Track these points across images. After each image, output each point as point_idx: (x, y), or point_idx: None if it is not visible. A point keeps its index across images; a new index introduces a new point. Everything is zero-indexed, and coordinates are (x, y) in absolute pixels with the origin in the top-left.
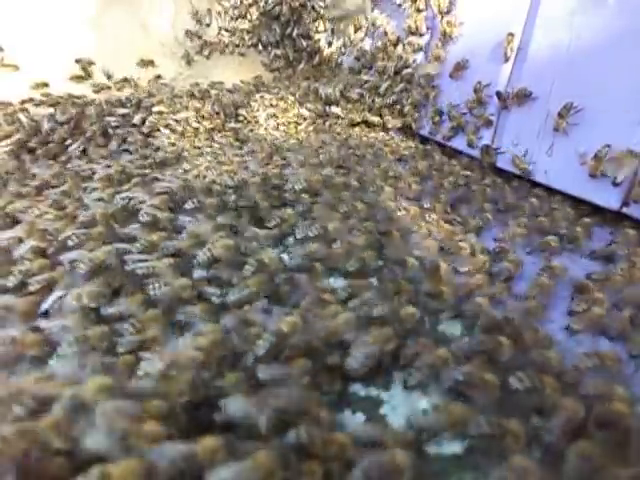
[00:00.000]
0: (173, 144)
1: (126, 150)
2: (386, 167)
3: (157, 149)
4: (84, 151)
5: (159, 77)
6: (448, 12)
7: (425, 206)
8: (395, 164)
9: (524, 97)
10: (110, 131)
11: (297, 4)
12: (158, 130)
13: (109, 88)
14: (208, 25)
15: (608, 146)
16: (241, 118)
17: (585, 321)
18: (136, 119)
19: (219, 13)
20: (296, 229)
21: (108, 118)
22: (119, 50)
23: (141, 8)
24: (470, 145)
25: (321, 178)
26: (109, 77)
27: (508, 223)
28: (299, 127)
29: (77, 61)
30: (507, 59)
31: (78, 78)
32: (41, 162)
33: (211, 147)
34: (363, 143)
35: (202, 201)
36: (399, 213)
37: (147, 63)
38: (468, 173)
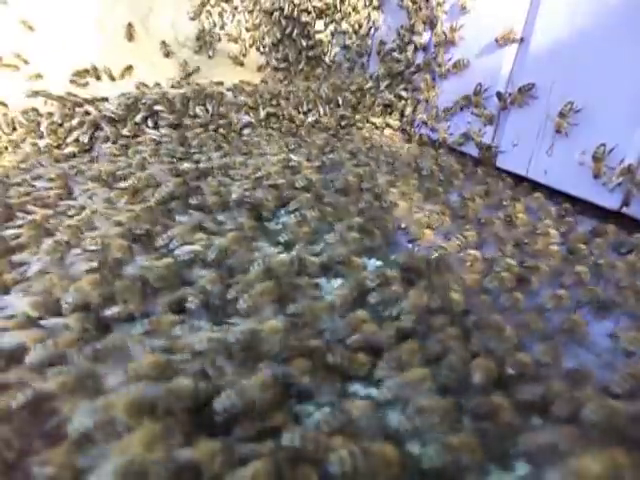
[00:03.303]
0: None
1: None
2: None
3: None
4: None
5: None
6: (450, 18)
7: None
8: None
9: (527, 91)
10: None
11: (297, 4)
12: None
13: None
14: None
15: (603, 145)
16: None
17: None
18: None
19: (220, 13)
20: None
21: None
22: (121, 50)
23: (142, 8)
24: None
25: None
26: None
27: None
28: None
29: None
30: (507, 52)
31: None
32: None
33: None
34: (362, 143)
35: None
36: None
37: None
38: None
